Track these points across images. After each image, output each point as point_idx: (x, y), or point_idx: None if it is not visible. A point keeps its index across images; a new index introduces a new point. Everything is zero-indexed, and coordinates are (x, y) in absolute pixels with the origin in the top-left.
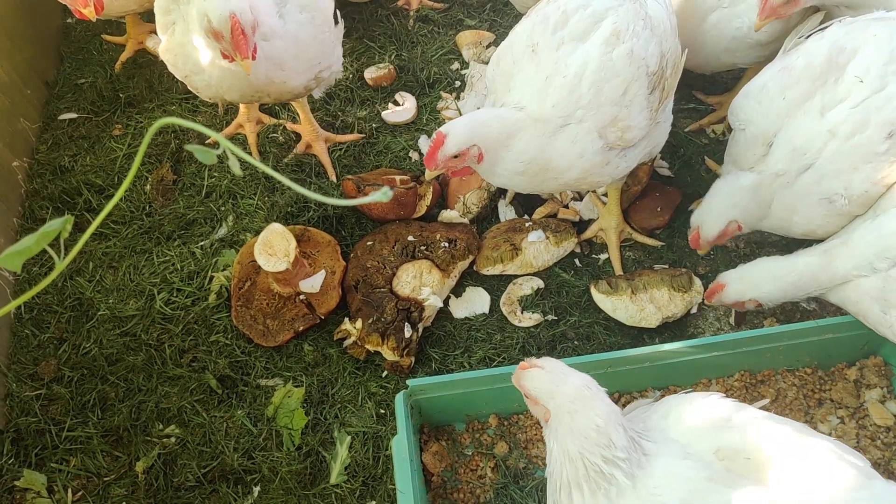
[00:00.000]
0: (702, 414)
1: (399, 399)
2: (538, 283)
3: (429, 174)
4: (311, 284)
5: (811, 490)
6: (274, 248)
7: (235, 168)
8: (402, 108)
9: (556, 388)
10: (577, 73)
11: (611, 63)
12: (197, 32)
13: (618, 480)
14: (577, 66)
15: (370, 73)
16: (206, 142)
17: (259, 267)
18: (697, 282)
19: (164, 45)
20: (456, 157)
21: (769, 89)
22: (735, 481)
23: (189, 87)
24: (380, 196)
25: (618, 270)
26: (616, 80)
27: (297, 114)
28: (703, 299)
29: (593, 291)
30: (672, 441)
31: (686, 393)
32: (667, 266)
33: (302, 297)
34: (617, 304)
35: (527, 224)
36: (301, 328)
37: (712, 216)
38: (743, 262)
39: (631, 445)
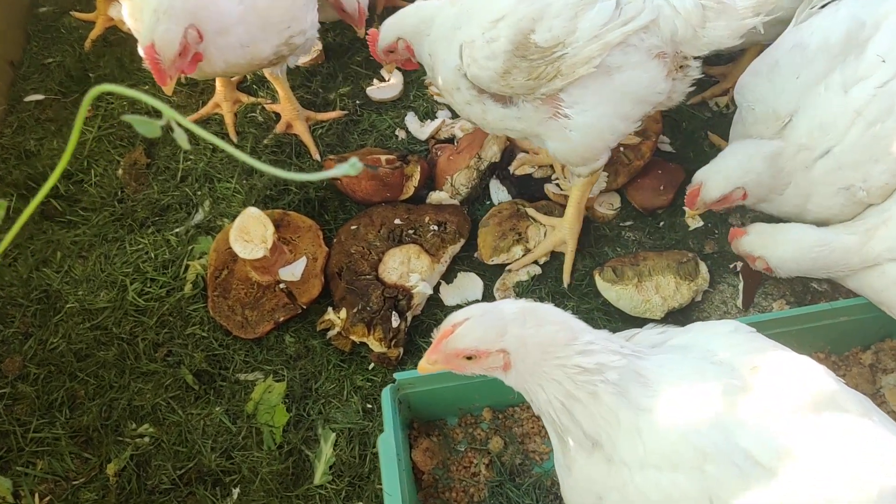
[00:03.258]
0: (740, 333)
1: (385, 394)
2: (535, 269)
3: (386, 70)
4: (292, 272)
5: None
6: (250, 233)
7: (183, 141)
8: (388, 84)
9: (500, 322)
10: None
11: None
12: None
13: (609, 365)
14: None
15: (301, 59)
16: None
17: (236, 254)
18: (704, 268)
19: (128, 9)
20: (392, 52)
21: (781, 68)
22: (768, 401)
23: None
24: (347, 169)
25: (567, 278)
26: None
27: (277, 92)
28: (708, 286)
29: (597, 279)
30: (694, 347)
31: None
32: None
33: (282, 285)
34: (621, 294)
35: (529, 210)
36: (282, 319)
37: (720, 176)
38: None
39: (613, 350)
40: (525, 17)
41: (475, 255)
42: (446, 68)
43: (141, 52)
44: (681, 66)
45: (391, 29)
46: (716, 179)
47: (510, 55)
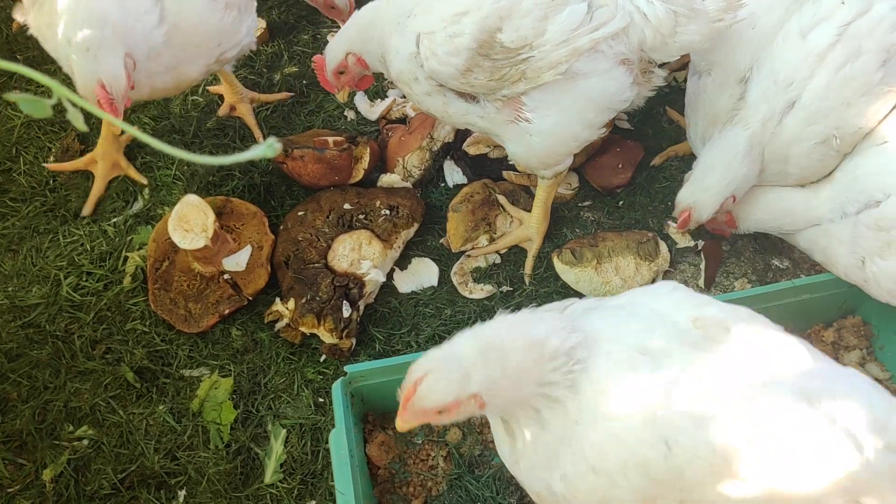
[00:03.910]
0: (680, 291)
1: (336, 388)
2: (493, 256)
3: (339, 97)
4: (236, 262)
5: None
6: (190, 222)
7: (78, 122)
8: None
9: (460, 369)
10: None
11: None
12: (55, 37)
13: (575, 346)
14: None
15: None
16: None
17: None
18: (664, 247)
19: (33, 22)
20: (342, 72)
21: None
22: (712, 347)
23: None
24: (264, 150)
25: (529, 272)
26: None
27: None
28: (669, 265)
29: (556, 262)
30: (633, 305)
31: None
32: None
33: (226, 276)
34: (581, 276)
35: (499, 198)
36: (227, 311)
37: (709, 194)
38: None
39: (568, 328)
40: (492, 14)
41: (442, 240)
42: (400, 57)
43: (87, 95)
44: (645, 72)
45: (337, 46)
46: (705, 199)
47: (473, 53)
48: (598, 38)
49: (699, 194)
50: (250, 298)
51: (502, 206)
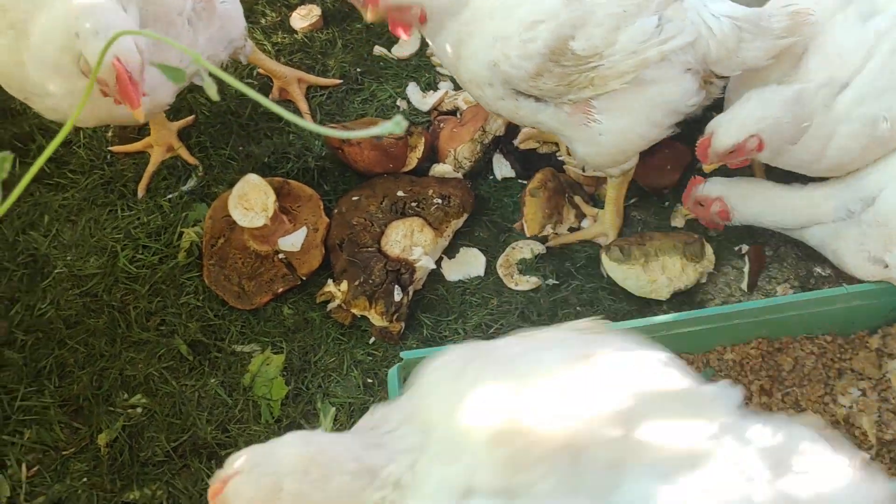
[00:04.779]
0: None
1: (392, 374)
2: (539, 247)
3: (368, 17)
4: (292, 242)
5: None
6: (250, 201)
7: (212, 93)
8: (405, 40)
9: (277, 474)
10: None
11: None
12: (51, 53)
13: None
14: None
15: (298, 24)
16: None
17: (233, 222)
18: (709, 250)
19: None
20: (400, 10)
21: None
22: None
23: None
24: (392, 126)
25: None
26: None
27: (271, 54)
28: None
29: (604, 258)
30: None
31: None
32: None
33: (281, 256)
34: (628, 274)
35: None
36: (280, 290)
37: (733, 124)
38: None
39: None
40: (566, 22)
41: (515, 224)
42: (477, 62)
43: (107, 77)
44: (706, 82)
45: None
46: (728, 126)
47: (545, 59)
48: (666, 50)
49: (724, 121)
50: (304, 279)
51: (579, 206)
